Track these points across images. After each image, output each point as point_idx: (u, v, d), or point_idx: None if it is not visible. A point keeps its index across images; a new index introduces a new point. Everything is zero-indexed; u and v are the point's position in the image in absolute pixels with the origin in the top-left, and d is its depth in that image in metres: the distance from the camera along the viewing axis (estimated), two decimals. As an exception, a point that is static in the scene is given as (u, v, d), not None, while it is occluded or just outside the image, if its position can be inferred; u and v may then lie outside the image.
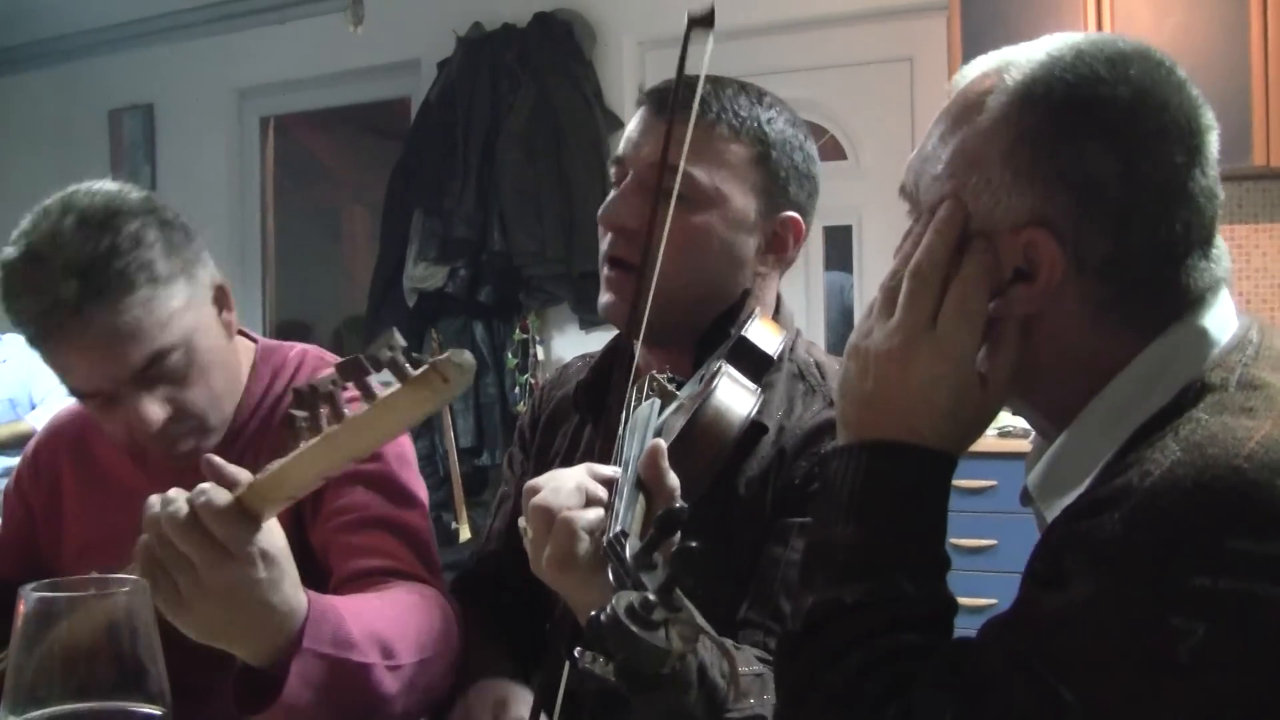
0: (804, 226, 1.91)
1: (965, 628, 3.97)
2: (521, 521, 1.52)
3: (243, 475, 1.44)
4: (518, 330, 6.43)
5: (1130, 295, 1.26)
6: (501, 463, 6.19)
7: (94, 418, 1.97)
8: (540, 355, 6.40)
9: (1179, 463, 1.10)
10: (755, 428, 1.72)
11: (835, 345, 6.04)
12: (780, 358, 1.79)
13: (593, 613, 1.19)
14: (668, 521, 1.26)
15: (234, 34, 7.47)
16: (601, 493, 1.48)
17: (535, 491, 1.49)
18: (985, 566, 4.68)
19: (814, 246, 6.06)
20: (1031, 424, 1.43)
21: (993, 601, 4.65)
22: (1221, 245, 1.31)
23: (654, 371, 1.73)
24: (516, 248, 6.13)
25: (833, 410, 1.61)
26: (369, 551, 1.86)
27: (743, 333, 1.74)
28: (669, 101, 1.78)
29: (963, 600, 4.23)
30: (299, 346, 2.16)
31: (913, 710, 1.16)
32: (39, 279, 1.81)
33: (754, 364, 1.71)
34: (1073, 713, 1.06)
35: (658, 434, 1.55)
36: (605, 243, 1.86)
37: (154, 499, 1.44)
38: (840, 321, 6.18)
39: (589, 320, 6.16)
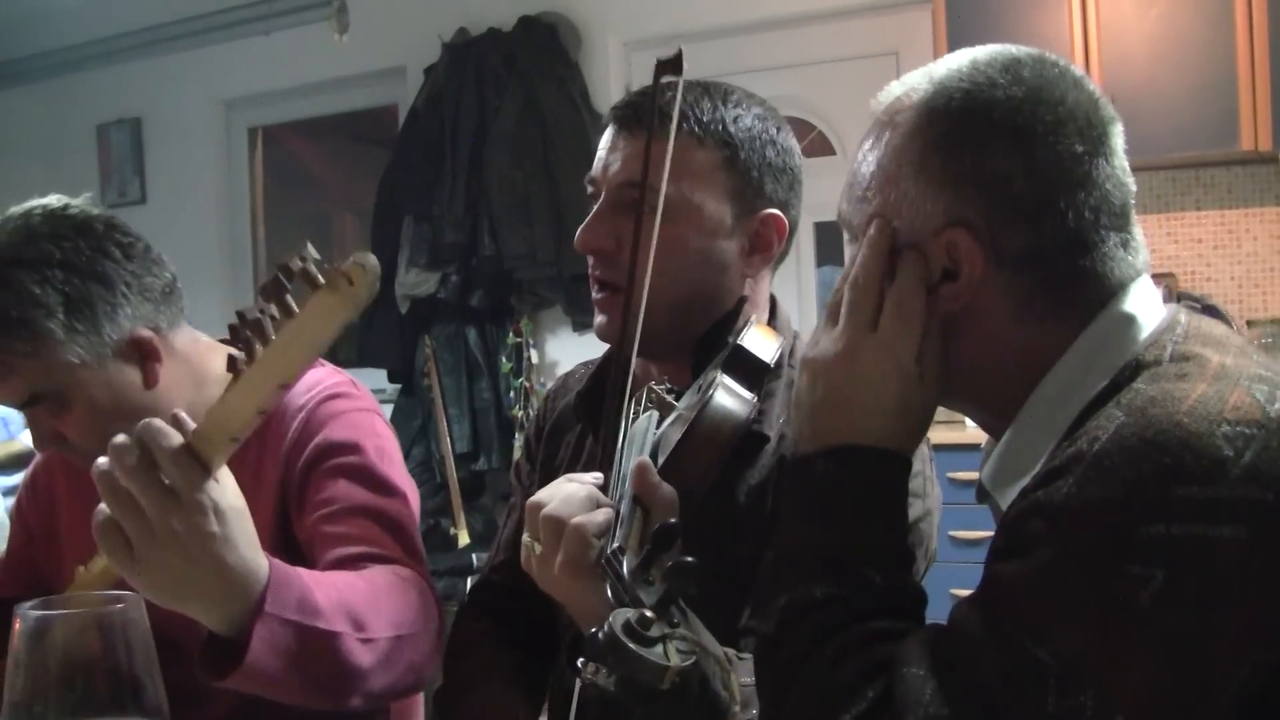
0: (786, 222, 1.88)
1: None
2: (525, 538, 1.52)
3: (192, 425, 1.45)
4: (511, 334, 6.41)
5: (1050, 284, 1.32)
6: (498, 467, 6.22)
7: None
8: (534, 359, 6.39)
9: (1123, 425, 1.15)
10: (756, 438, 1.72)
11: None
12: (779, 364, 1.79)
13: (591, 630, 1.19)
14: (662, 537, 1.27)
15: (219, 45, 7.45)
16: (608, 501, 1.49)
17: (540, 505, 1.48)
18: (982, 558, 4.65)
19: (804, 242, 6.08)
20: (978, 423, 1.48)
21: (992, 593, 4.64)
22: (1139, 237, 1.37)
23: (652, 383, 1.73)
24: (507, 251, 6.13)
25: None
26: (348, 539, 1.87)
27: (738, 341, 1.72)
28: (635, 118, 1.80)
29: (964, 592, 4.23)
30: None
31: (893, 690, 1.18)
32: None
33: (750, 372, 1.68)
34: (1049, 671, 1.10)
35: (654, 447, 1.55)
36: (589, 263, 1.87)
37: (102, 459, 1.44)
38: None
39: (581, 322, 6.16)
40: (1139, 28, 4.87)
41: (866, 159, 1.41)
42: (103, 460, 1.44)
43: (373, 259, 1.27)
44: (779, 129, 1.89)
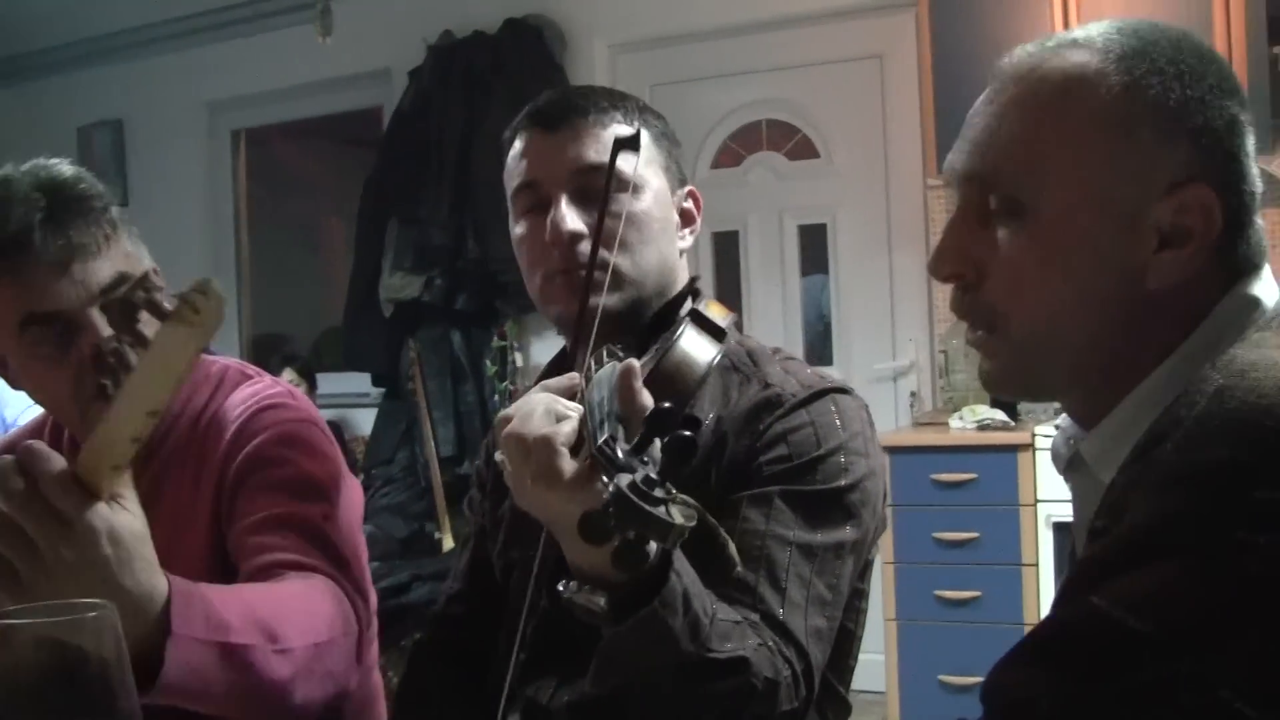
0: (700, 197, 2.00)
1: (950, 620, 4.04)
2: (498, 455, 1.51)
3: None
4: (496, 338, 6.42)
5: (1235, 255, 1.29)
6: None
7: (37, 373, 1.91)
8: (519, 362, 6.39)
9: (1224, 388, 1.10)
10: (690, 421, 1.74)
11: (811, 345, 6.04)
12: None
13: (585, 511, 1.20)
14: (660, 419, 1.27)
15: (203, 47, 7.44)
16: (570, 412, 1.47)
17: (507, 421, 1.47)
18: (968, 559, 4.72)
19: (789, 246, 6.08)
20: (1072, 404, 1.42)
21: (977, 594, 4.66)
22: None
23: (609, 345, 1.73)
24: (492, 254, 6.12)
25: (768, 390, 1.74)
26: (267, 548, 1.85)
27: (697, 307, 1.80)
28: (561, 115, 1.91)
29: (947, 593, 4.29)
30: (221, 362, 2.14)
31: (1001, 689, 1.14)
32: (7, 196, 1.85)
33: (710, 331, 1.76)
34: (1146, 643, 1.04)
35: None
36: (554, 259, 1.86)
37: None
38: (817, 323, 6.18)
39: (566, 325, 6.15)
40: (1122, 32, 4.87)
41: (1040, 116, 1.31)
42: None
43: (215, 285, 1.25)
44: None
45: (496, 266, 6.13)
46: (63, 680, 1.12)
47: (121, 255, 1.89)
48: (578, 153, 1.86)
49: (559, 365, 2.00)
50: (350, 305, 6.77)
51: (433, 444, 6.37)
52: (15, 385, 1.99)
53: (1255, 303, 1.28)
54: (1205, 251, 1.27)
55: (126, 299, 1.27)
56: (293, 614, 1.70)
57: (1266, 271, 1.31)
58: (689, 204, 1.97)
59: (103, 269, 1.86)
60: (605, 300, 1.79)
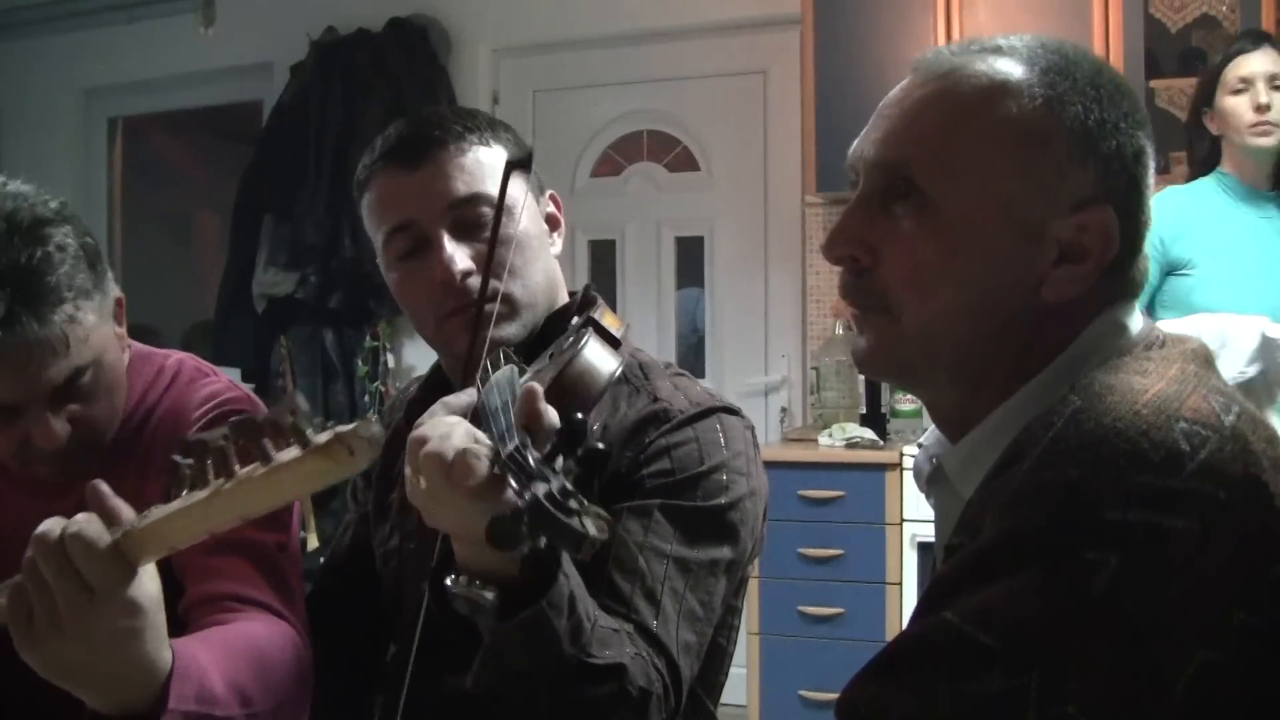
0: (559, 200, 2.02)
1: (813, 636, 4.08)
2: (408, 472, 1.46)
3: (125, 514, 1.36)
4: (368, 338, 6.37)
5: (1120, 281, 1.33)
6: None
7: None
8: (391, 363, 6.34)
9: (1080, 410, 1.14)
10: None
11: (684, 357, 6.06)
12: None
13: (496, 514, 1.18)
14: (573, 432, 1.26)
15: (81, 32, 7.29)
16: (484, 437, 1.43)
17: (422, 441, 1.42)
18: (833, 575, 4.74)
19: (666, 258, 6.10)
20: (941, 407, 1.43)
21: (840, 610, 4.69)
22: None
23: (504, 348, 1.73)
24: (368, 254, 6.03)
25: (656, 405, 1.74)
26: (222, 575, 1.80)
27: (594, 316, 1.79)
28: (424, 148, 1.85)
29: (811, 609, 4.33)
30: (174, 355, 2.08)
31: (853, 704, 1.16)
32: None
33: (610, 343, 1.74)
34: (996, 658, 1.07)
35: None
36: (447, 300, 1.84)
37: (45, 523, 1.36)
38: (691, 335, 6.21)
39: (441, 328, 6.12)
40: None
41: (963, 116, 1.32)
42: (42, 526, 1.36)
43: (378, 429, 1.20)
44: None
45: (371, 266, 6.02)
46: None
47: (80, 342, 1.76)
48: (447, 187, 1.83)
49: (440, 374, 2.00)
50: (222, 300, 6.68)
51: (301, 443, 6.30)
52: None
53: (1121, 328, 1.31)
54: (1100, 271, 1.30)
55: (271, 420, 1.21)
56: (265, 671, 1.68)
57: (1138, 301, 1.36)
58: (551, 208, 1.98)
59: (60, 369, 1.75)
60: (506, 331, 1.79)
